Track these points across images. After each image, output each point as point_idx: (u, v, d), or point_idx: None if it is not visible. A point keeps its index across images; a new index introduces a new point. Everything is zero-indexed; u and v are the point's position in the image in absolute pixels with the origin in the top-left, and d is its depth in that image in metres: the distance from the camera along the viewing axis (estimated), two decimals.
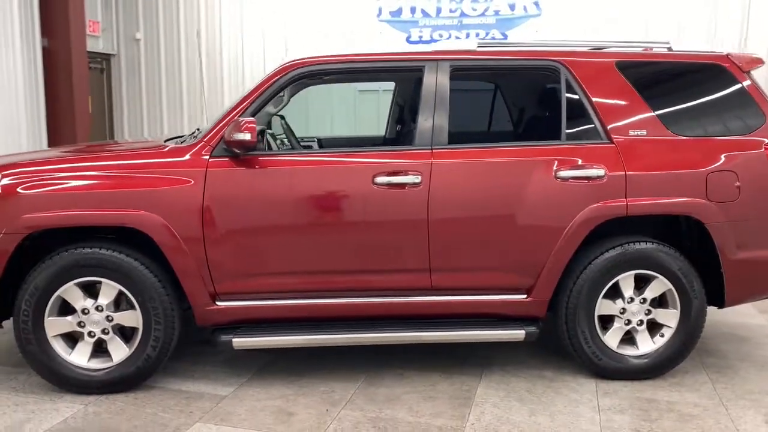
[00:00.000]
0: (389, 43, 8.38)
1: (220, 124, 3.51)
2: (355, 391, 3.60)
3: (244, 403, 3.43)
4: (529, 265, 3.62)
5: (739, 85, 3.77)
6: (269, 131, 4.23)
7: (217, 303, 3.54)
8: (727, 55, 3.84)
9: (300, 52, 8.55)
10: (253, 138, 3.31)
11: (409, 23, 8.38)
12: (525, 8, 8.03)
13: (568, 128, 3.69)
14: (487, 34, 8.19)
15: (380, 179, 3.50)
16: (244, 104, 3.56)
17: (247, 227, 3.46)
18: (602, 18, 7.74)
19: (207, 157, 3.47)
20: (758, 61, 3.86)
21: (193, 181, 3.42)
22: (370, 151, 3.71)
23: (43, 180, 3.43)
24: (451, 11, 8.25)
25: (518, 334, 3.66)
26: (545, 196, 3.57)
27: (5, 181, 3.43)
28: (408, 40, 8.44)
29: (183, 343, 3.95)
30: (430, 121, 3.62)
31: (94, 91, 9.69)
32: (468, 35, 8.25)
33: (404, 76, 4.53)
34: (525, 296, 3.67)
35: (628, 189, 3.57)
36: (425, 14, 8.32)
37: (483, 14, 8.15)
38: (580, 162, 3.59)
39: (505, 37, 8.11)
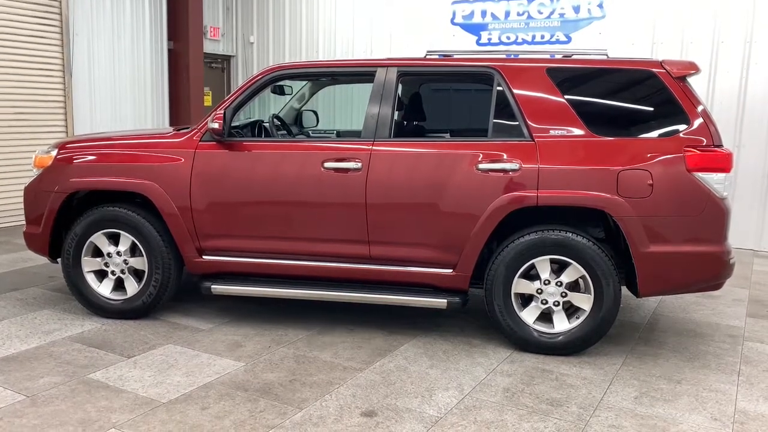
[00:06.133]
0: (460, 45, 8.92)
1: (210, 115, 4.44)
2: (303, 336, 4.39)
3: (212, 336, 4.36)
4: (453, 244, 4.18)
5: (667, 90, 4.03)
6: (268, 123, 5.12)
7: (203, 257, 4.50)
8: (660, 62, 4.10)
9: (382, 53, 9.41)
10: (220, 127, 4.21)
11: (479, 26, 8.86)
12: (589, 11, 8.16)
13: (495, 126, 4.19)
14: (552, 36, 8.45)
15: (328, 164, 4.25)
16: (231, 98, 4.45)
17: (222, 198, 4.36)
18: (668, 19, 7.70)
19: (197, 140, 4.43)
20: (692, 67, 4.08)
21: (184, 160, 4.40)
22: (322, 140, 4.47)
23: (86, 154, 4.59)
24: (518, 14, 8.59)
25: (441, 302, 4.24)
26: (466, 185, 4.11)
27: (61, 154, 4.64)
28: (478, 42, 8.93)
29: (197, 293, 4.98)
30: (375, 117, 4.29)
31: (216, 87, 11.23)
32: (533, 37, 8.57)
33: (364, 79, 5.10)
34: (451, 271, 4.23)
35: (540, 182, 4.01)
36: (494, 18, 8.74)
37: (549, 17, 8.41)
38: (502, 156, 4.08)
39: (569, 39, 8.33)
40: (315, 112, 6.08)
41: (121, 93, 9.20)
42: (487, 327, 4.62)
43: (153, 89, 9.67)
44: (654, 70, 4.07)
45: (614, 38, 8.07)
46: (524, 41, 8.69)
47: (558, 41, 8.47)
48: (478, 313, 4.93)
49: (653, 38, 7.91)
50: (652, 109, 4.13)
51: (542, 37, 8.57)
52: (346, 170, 4.23)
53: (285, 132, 5.48)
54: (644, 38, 7.96)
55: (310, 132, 5.94)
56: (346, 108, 9.67)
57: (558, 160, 4.02)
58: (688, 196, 3.93)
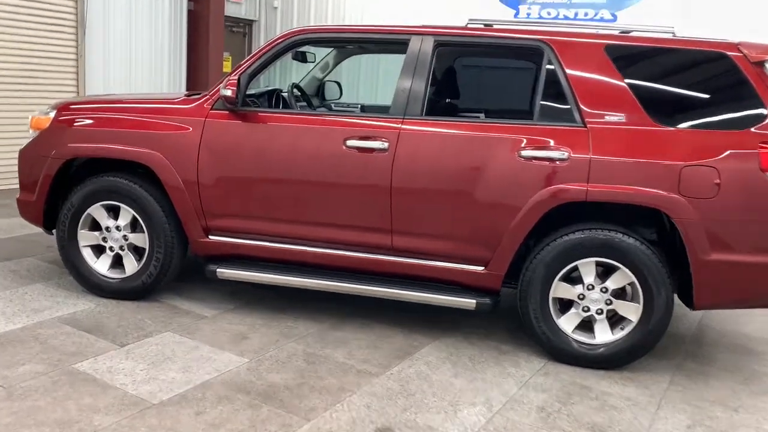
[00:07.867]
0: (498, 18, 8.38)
1: (223, 81, 3.99)
2: (314, 330, 3.99)
3: (215, 325, 3.97)
4: (486, 239, 3.72)
5: (742, 77, 3.51)
6: (287, 92, 4.66)
7: (209, 237, 4.09)
8: (737, 44, 3.58)
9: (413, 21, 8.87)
10: (233, 94, 3.77)
11: (518, 0, 8.31)
12: None
13: (542, 109, 3.71)
14: (596, 14, 7.87)
15: (351, 142, 3.80)
16: (247, 63, 4.01)
17: (232, 173, 3.94)
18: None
19: (208, 108, 4.00)
20: None
21: (192, 129, 3.97)
22: (345, 115, 4.01)
23: (87, 118, 4.18)
24: None
25: (470, 303, 3.80)
26: (506, 173, 3.64)
27: (60, 116, 4.24)
28: (516, 16, 8.37)
29: (202, 275, 4.59)
30: (407, 91, 3.83)
31: (236, 53, 10.78)
32: (576, 14, 8.00)
33: (395, 49, 4.57)
34: (482, 268, 3.79)
35: (592, 174, 3.53)
36: None
37: None
38: (549, 143, 3.60)
39: (615, 18, 7.75)
40: (339, 84, 5.62)
41: (136, 53, 8.76)
42: (516, 330, 4.18)
43: (170, 51, 9.23)
44: (729, 53, 3.55)
45: (665, 18, 7.47)
46: (566, 17, 8.12)
47: (602, 19, 7.91)
48: (505, 313, 4.48)
49: (704, 18, 7.30)
50: (723, 97, 3.62)
51: (585, 14, 8.01)
52: (371, 150, 3.78)
53: (305, 104, 5.02)
54: (694, 18, 7.35)
55: (332, 105, 5.47)
56: (372, 80, 9.16)
57: (613, 150, 3.53)
58: (760, 199, 3.43)
